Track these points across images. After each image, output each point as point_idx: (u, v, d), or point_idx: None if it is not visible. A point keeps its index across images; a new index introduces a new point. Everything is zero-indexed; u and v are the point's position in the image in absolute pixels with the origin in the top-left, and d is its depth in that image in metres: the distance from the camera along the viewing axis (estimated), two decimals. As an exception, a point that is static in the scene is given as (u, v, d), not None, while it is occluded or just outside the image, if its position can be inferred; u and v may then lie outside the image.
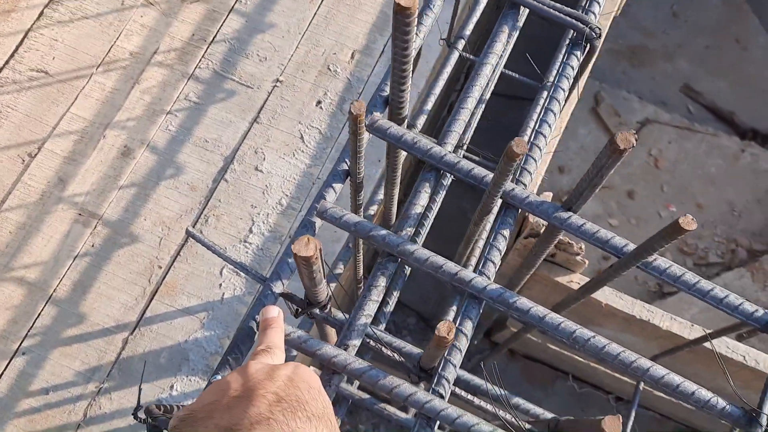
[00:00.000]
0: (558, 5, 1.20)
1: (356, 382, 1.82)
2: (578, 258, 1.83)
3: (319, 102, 2.36)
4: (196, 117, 2.33)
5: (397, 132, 1.11)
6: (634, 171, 5.22)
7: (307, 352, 1.01)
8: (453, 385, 1.26)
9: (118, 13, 2.44)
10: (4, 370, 2.05)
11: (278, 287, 1.08)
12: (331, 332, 1.34)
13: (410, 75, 1.08)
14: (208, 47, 2.41)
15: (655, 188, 5.19)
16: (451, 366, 1.05)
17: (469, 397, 1.17)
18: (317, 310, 1.09)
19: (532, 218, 1.83)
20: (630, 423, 1.69)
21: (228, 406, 0.69)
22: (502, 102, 3.18)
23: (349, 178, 1.15)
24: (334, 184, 1.13)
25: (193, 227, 2.21)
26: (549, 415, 1.57)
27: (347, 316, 1.08)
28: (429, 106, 1.33)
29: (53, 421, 2.02)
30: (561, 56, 1.22)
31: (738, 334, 1.30)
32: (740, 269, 4.67)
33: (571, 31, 1.23)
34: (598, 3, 1.25)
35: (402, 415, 1.52)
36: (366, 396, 1.64)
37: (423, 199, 1.13)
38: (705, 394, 1.05)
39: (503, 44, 1.22)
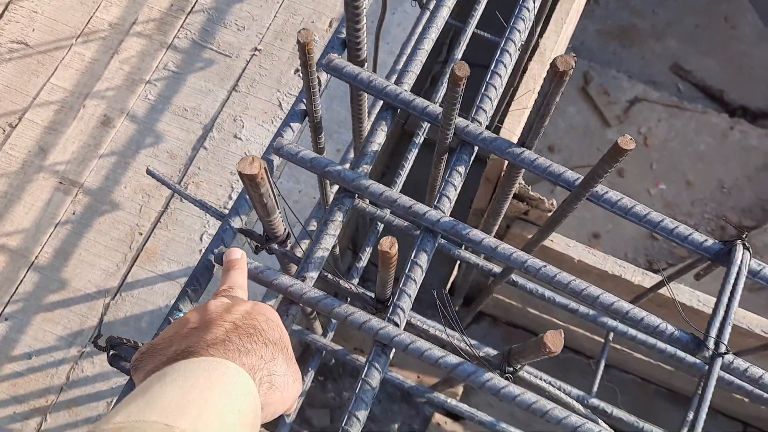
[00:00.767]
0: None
1: (330, 334, 1.84)
2: (550, 215, 1.84)
3: (297, 70, 2.37)
4: (175, 86, 2.34)
5: (352, 71, 1.13)
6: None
7: (263, 282, 1.03)
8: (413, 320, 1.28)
9: (97, -15, 2.45)
10: (-13, 335, 2.07)
11: (236, 223, 1.10)
12: (293, 269, 1.36)
13: (364, 13, 1.10)
14: (186, 17, 2.43)
15: (644, 166, 5.20)
16: (406, 296, 1.07)
17: (425, 326, 1.19)
18: (276, 246, 1.11)
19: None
20: (598, 376, 1.71)
21: (186, 335, 0.70)
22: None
23: (306, 117, 1.17)
24: (291, 123, 1.15)
25: (173, 195, 2.23)
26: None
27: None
28: (410, 68, 1.31)
29: (36, 385, 2.04)
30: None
31: (695, 274, 1.32)
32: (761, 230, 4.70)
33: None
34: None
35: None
36: (339, 347, 1.67)
37: (380, 137, 1.14)
38: (654, 320, 1.07)
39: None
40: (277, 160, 1.12)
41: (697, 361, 1.65)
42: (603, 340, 1.97)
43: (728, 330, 1.07)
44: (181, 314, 1.07)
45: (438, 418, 2.65)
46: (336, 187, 1.13)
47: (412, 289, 1.07)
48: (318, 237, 1.08)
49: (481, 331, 2.91)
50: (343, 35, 1.18)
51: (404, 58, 1.49)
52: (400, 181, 1.69)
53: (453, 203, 1.13)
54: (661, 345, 1.66)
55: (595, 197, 1.11)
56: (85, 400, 2.04)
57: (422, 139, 1.79)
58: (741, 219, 5.22)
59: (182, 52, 2.39)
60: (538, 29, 1.82)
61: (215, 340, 0.68)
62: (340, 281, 1.12)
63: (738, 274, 1.08)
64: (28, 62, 2.36)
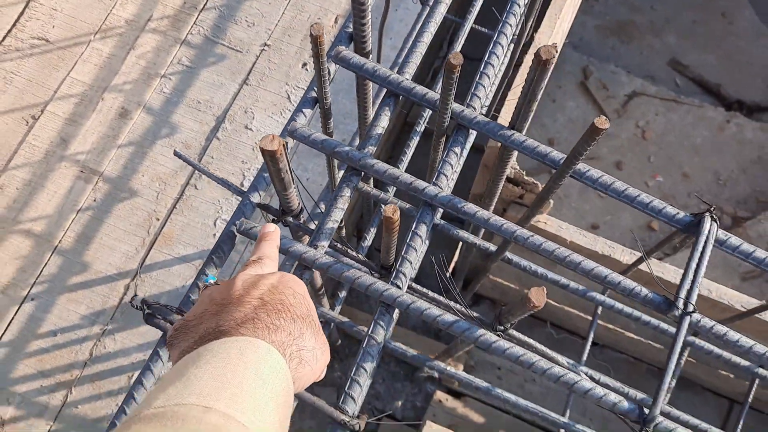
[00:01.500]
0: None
1: (337, 308, 1.97)
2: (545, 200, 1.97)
3: (304, 64, 2.49)
4: (188, 80, 2.47)
5: (358, 61, 1.25)
6: (622, 143, 5.34)
7: (280, 250, 1.15)
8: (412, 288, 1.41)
9: (114, -16, 2.58)
10: (15, 314, 2.20)
11: (255, 198, 1.22)
12: (305, 241, 1.48)
13: (369, 9, 1.22)
14: (199, 14, 2.55)
15: (642, 159, 5.31)
16: (408, 263, 1.19)
17: (425, 290, 1.32)
18: (291, 218, 1.24)
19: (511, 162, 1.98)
20: (587, 346, 1.83)
21: (215, 313, 0.72)
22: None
23: (318, 104, 1.29)
24: (303, 109, 1.27)
25: (188, 182, 2.35)
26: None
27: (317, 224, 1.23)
28: (411, 59, 1.43)
29: (61, 360, 2.17)
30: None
31: (673, 247, 1.44)
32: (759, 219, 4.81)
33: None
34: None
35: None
36: (346, 320, 1.79)
37: (384, 121, 1.27)
38: (630, 283, 1.19)
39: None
40: (291, 142, 1.25)
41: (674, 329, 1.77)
42: (598, 322, 2.09)
43: (696, 292, 1.19)
44: (208, 280, 1.19)
45: (439, 395, 2.78)
46: (341, 173, 1.25)
47: (413, 257, 1.19)
48: (329, 210, 1.20)
49: (480, 313, 3.03)
50: (350, 29, 1.30)
51: (405, 50, 1.61)
52: (403, 165, 1.82)
53: (450, 181, 1.25)
54: (645, 317, 1.79)
55: (578, 174, 1.23)
56: (107, 374, 2.17)
57: (423, 128, 1.91)
58: (736, 210, 5.33)
59: (195, 48, 2.51)
60: (531, 24, 1.94)
61: (245, 319, 0.70)
62: (348, 250, 1.24)
63: (705, 242, 1.21)
64: (49, 57, 2.48)
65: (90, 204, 2.32)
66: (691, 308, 1.17)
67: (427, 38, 1.33)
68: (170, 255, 2.27)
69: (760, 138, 5.45)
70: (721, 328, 1.19)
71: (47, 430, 2.12)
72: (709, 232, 1.22)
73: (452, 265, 2.86)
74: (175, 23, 2.54)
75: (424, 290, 1.34)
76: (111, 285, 2.24)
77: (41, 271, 2.25)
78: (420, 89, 1.25)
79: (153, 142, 2.39)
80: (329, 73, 1.27)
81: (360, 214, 2.85)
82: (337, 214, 1.20)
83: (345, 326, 1.75)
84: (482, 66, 1.32)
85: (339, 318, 1.73)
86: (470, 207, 1.19)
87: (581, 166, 1.24)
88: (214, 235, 2.29)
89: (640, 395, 1.77)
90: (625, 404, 1.14)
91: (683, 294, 1.18)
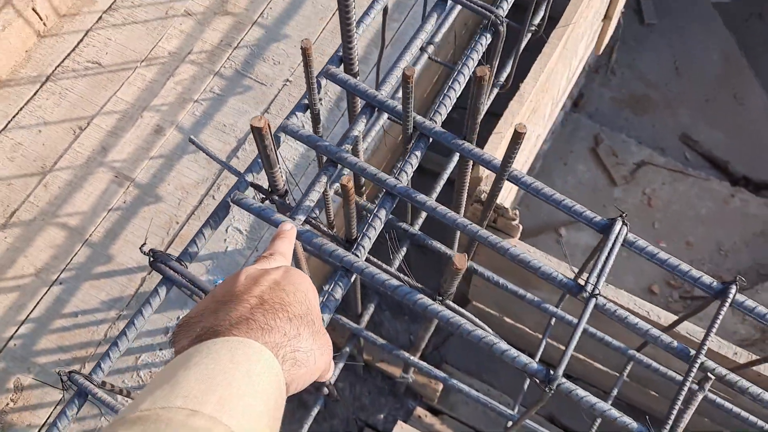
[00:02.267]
0: (474, 0, 1.65)
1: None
2: (514, 223, 2.22)
3: (320, 99, 2.82)
4: (217, 106, 2.81)
5: (343, 77, 1.55)
6: (628, 208, 5.56)
7: (263, 218, 1.43)
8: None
9: (162, 21, 2.97)
10: (44, 295, 2.50)
11: (249, 177, 1.51)
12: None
13: (354, 34, 1.53)
14: (232, 51, 2.92)
15: (647, 225, 5.52)
16: (367, 238, 1.45)
17: (380, 263, 1.57)
18: (276, 197, 1.52)
19: (480, 187, 2.24)
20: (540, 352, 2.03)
21: (215, 310, 0.72)
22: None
23: (309, 110, 1.58)
24: (297, 112, 1.57)
25: (207, 193, 2.66)
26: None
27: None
28: (387, 79, 1.72)
29: (79, 339, 2.45)
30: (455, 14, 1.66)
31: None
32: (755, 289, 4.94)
33: (485, 20, 1.66)
34: (507, 2, 1.69)
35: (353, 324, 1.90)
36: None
37: (360, 126, 1.55)
38: (548, 269, 1.43)
39: (432, 26, 1.66)
40: (283, 136, 1.54)
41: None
42: (577, 354, 2.30)
43: (602, 280, 1.43)
44: (217, 281, 1.45)
45: (419, 411, 2.96)
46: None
47: (372, 234, 1.46)
48: (307, 191, 1.48)
49: (461, 340, 3.24)
50: (341, 53, 1.61)
51: (385, 74, 1.91)
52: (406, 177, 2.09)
53: (409, 177, 1.53)
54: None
55: (513, 179, 1.50)
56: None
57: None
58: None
59: (226, 79, 2.86)
60: (509, 71, 2.24)
61: (239, 319, 0.69)
62: (321, 226, 1.51)
63: (615, 240, 1.45)
64: (100, 79, 2.86)
65: (120, 205, 2.63)
66: (597, 291, 1.41)
67: (403, 64, 1.63)
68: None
69: (765, 213, 5.62)
70: (623, 312, 1.42)
71: (60, 398, 2.37)
72: (618, 232, 1.46)
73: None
74: (211, 57, 2.90)
75: (380, 263, 1.59)
76: (130, 276, 2.53)
77: (71, 259, 2.55)
78: (391, 102, 1.54)
79: (181, 156, 2.72)
80: (320, 85, 1.57)
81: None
82: (314, 195, 1.48)
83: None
84: (445, 89, 1.61)
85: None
86: (421, 197, 1.46)
87: (517, 172, 1.50)
88: (225, 240, 2.58)
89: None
90: (534, 366, 1.36)
91: (593, 280, 1.42)
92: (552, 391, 1.35)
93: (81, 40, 2.92)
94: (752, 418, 1.69)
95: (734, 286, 1.44)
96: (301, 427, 2.40)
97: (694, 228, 5.48)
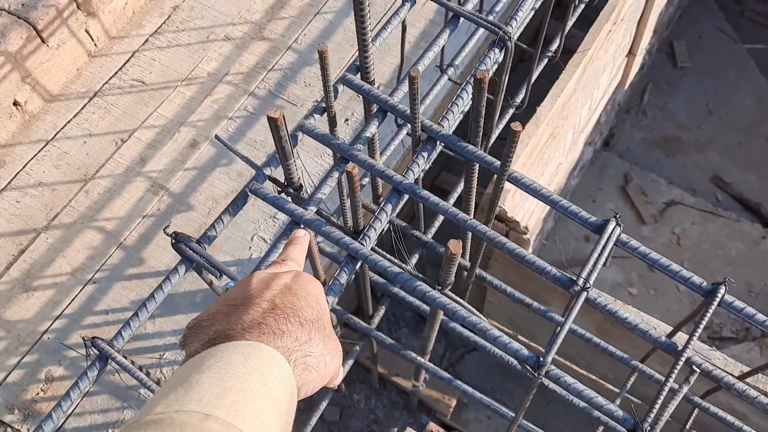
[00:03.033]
0: (483, 17, 1.77)
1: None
2: (525, 237, 2.29)
3: (346, 119, 2.96)
4: (250, 123, 2.98)
5: (359, 83, 1.68)
6: (657, 246, 5.55)
7: (278, 207, 1.54)
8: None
9: (203, 44, 3.17)
10: (78, 293, 2.65)
11: (267, 171, 1.63)
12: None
13: (370, 43, 1.66)
14: (267, 73, 3.09)
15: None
16: (373, 229, 1.55)
17: (384, 253, 1.66)
18: (291, 190, 1.63)
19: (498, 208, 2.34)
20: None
21: (227, 313, 0.73)
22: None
23: (325, 113, 1.71)
24: (314, 114, 1.70)
25: (236, 203, 2.80)
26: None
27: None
28: (400, 87, 1.86)
29: (108, 335, 2.57)
30: (474, 41, 1.78)
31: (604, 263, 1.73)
32: (749, 343, 4.87)
33: (493, 36, 1.78)
34: (516, 19, 1.81)
35: (363, 324, 1.98)
36: (339, 308, 2.13)
37: (372, 127, 1.67)
38: (543, 263, 1.51)
39: (444, 39, 1.79)
40: (300, 135, 1.67)
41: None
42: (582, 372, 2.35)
43: (594, 276, 1.50)
44: (229, 284, 1.55)
45: (432, 426, 3.00)
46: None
47: (378, 226, 1.56)
48: (319, 185, 1.60)
49: (478, 358, 3.28)
50: (358, 63, 1.74)
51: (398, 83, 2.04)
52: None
53: (416, 176, 1.63)
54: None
55: (513, 180, 1.59)
56: (143, 350, 2.55)
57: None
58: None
59: (259, 99, 3.03)
60: (524, 94, 2.35)
61: (252, 323, 0.70)
62: (331, 218, 1.62)
63: (608, 240, 1.53)
64: (143, 96, 3.05)
65: (154, 212, 2.79)
66: (588, 285, 1.48)
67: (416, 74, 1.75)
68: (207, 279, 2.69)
69: (796, 257, 5.55)
70: (613, 307, 1.49)
71: (86, 390, 2.49)
72: (611, 232, 1.54)
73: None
74: (247, 78, 3.08)
75: (384, 253, 1.69)
76: (158, 278, 2.67)
77: (105, 261, 2.70)
78: (401, 107, 1.66)
79: (213, 168, 2.88)
80: (336, 90, 1.70)
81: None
82: (326, 189, 1.60)
83: (338, 314, 2.09)
84: (450, 105, 1.72)
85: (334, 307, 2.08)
86: (425, 193, 1.56)
87: (517, 174, 1.59)
88: (250, 247, 2.71)
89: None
90: (525, 352, 1.44)
91: (584, 275, 1.49)
92: (541, 377, 1.42)
93: (128, 60, 3.13)
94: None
95: (723, 287, 1.50)
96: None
97: (723, 268, 5.44)
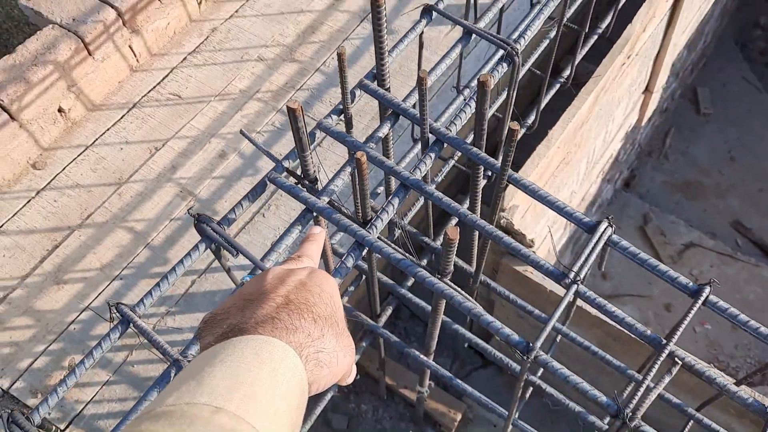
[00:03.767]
0: (494, 33, 1.91)
1: (344, 299, 2.41)
2: (531, 250, 2.38)
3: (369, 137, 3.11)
4: (276, 137, 3.14)
5: (374, 88, 1.82)
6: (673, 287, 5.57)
7: (291, 194, 1.67)
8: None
9: (237, 64, 3.36)
10: (105, 288, 2.79)
11: (286, 164, 1.77)
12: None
13: (386, 52, 1.80)
14: (294, 92, 3.27)
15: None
16: (380, 219, 1.67)
17: (389, 242, 1.77)
18: (307, 182, 1.76)
19: (502, 214, 2.44)
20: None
21: (241, 308, 0.73)
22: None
23: (343, 114, 1.85)
24: (332, 115, 1.84)
25: (258, 211, 2.95)
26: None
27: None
28: (413, 94, 1.99)
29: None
30: (490, 65, 1.91)
31: (598, 264, 1.82)
32: (765, 387, 4.83)
33: (501, 51, 1.92)
34: (524, 38, 1.95)
35: (370, 321, 2.08)
36: (348, 305, 2.24)
37: (385, 128, 1.80)
38: (537, 258, 1.60)
39: (456, 54, 1.93)
40: (318, 133, 1.81)
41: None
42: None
43: (585, 271, 1.60)
44: (246, 278, 1.68)
45: (436, 439, 3.06)
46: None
47: (385, 217, 1.68)
48: (333, 178, 1.73)
49: (486, 376, 3.34)
50: (375, 71, 1.89)
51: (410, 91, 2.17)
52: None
53: (423, 174, 1.76)
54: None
55: (513, 181, 1.71)
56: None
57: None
58: (788, 372, 5.32)
59: (286, 116, 3.19)
60: (534, 116, 2.47)
61: (265, 317, 0.71)
62: (342, 208, 1.74)
63: (599, 240, 1.63)
64: (178, 109, 3.24)
65: (181, 216, 2.94)
66: (579, 279, 1.58)
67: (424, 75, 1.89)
68: (231, 263, 2.82)
69: (816, 303, 5.51)
70: (601, 301, 1.58)
71: (106, 379, 2.62)
72: (603, 232, 1.64)
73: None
74: (276, 96, 3.26)
75: (389, 242, 1.80)
76: (182, 278, 2.80)
77: (133, 259, 2.85)
78: (412, 110, 1.79)
79: (239, 178, 3.03)
80: (354, 95, 1.84)
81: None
82: (338, 182, 1.73)
83: (347, 311, 2.20)
84: (462, 106, 1.86)
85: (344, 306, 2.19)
86: (430, 188, 1.69)
87: (516, 176, 1.71)
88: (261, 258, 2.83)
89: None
90: (516, 337, 1.53)
91: (575, 269, 1.59)
92: (530, 360, 1.51)
93: (166, 76, 3.34)
94: None
95: (708, 287, 1.59)
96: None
97: (741, 311, 5.41)
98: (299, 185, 1.78)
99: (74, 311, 2.75)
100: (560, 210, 1.68)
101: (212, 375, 0.62)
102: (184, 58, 3.39)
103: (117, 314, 1.62)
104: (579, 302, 2.55)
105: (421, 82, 1.59)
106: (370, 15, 3.50)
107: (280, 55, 3.40)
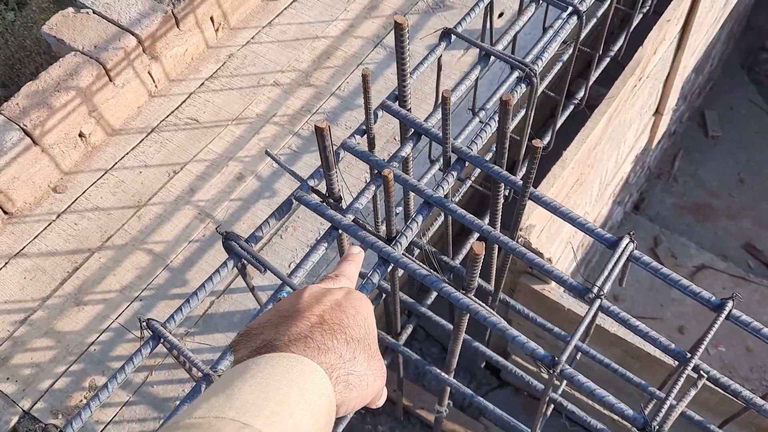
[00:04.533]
0: (510, 55, 1.96)
1: None
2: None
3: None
4: (293, 160, 3.18)
5: (396, 109, 1.86)
6: (687, 310, 5.55)
7: (317, 212, 1.71)
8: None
9: (254, 88, 3.42)
10: (125, 309, 2.82)
11: (311, 182, 1.81)
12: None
13: (408, 74, 1.85)
14: (310, 116, 3.32)
15: (705, 327, 5.46)
16: (405, 237, 1.70)
17: (414, 259, 1.79)
18: (332, 201, 1.80)
19: (520, 233, 2.47)
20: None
21: (276, 324, 0.73)
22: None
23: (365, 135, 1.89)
24: (356, 135, 1.88)
25: (276, 233, 2.98)
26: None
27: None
28: (434, 114, 2.03)
29: (150, 349, 2.72)
30: (505, 87, 1.95)
31: (618, 281, 1.84)
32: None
33: (516, 73, 1.96)
34: (542, 59, 1.99)
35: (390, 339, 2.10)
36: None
37: (407, 148, 1.84)
38: (561, 274, 1.62)
39: (476, 75, 1.97)
40: (342, 153, 1.85)
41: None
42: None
43: (607, 286, 1.62)
44: (283, 293, 1.70)
45: (454, 461, 3.05)
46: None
47: (410, 234, 1.71)
48: (357, 197, 1.77)
49: (502, 397, 3.33)
50: (397, 92, 1.93)
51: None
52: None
53: (445, 192, 1.79)
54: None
55: (534, 198, 1.73)
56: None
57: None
58: (803, 395, 5.28)
59: (302, 139, 3.25)
60: (550, 136, 2.51)
61: (298, 336, 0.71)
62: (367, 225, 1.77)
63: (621, 255, 1.65)
64: (196, 133, 3.29)
65: (199, 237, 2.98)
66: (602, 294, 1.60)
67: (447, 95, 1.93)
68: (254, 281, 2.85)
69: (831, 326, 5.49)
70: (625, 315, 1.60)
71: (126, 400, 2.63)
72: (624, 248, 1.66)
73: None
74: (292, 120, 3.31)
75: (414, 259, 1.82)
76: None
77: (152, 280, 2.88)
78: (434, 131, 1.83)
79: (256, 200, 3.07)
80: (376, 115, 1.88)
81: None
82: (363, 200, 1.76)
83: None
84: (483, 126, 1.89)
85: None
86: (453, 206, 1.72)
87: (537, 193, 1.74)
88: (288, 275, 2.86)
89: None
90: (542, 351, 1.55)
91: (599, 284, 1.61)
92: (556, 374, 1.52)
93: (184, 101, 3.40)
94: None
95: (731, 302, 1.60)
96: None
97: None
98: (324, 203, 1.81)
99: (94, 332, 2.77)
100: (582, 226, 1.71)
101: (242, 390, 0.63)
102: (202, 84, 3.45)
103: (148, 330, 1.64)
104: (598, 320, 2.57)
105: (444, 101, 1.63)
106: (383, 41, 3.57)
107: (296, 80, 3.46)
